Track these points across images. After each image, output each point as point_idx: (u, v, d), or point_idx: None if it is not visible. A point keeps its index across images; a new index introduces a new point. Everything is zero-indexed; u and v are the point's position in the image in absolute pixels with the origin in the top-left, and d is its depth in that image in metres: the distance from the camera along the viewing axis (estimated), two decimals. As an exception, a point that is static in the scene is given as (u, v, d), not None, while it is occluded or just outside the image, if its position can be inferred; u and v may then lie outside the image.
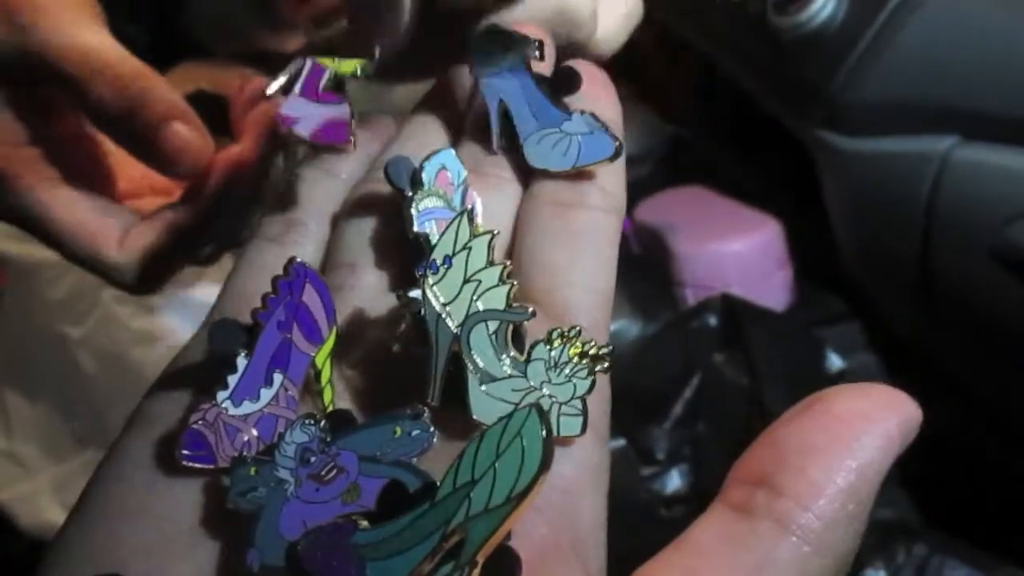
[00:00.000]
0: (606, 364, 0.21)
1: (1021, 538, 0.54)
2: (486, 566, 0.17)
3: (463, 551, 0.17)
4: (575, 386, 0.21)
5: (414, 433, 0.20)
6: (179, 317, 0.71)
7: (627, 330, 0.67)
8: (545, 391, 0.21)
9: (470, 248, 0.22)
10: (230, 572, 0.20)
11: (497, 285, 0.21)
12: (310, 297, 0.22)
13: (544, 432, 0.17)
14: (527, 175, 0.26)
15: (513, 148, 0.26)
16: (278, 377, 0.22)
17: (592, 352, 0.21)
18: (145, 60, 0.32)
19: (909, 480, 0.59)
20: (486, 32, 0.27)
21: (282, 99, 0.27)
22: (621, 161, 0.25)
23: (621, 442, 0.60)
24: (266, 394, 0.22)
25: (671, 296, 0.71)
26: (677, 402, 0.62)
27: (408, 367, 0.22)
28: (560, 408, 0.21)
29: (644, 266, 0.73)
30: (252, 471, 0.20)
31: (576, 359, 0.21)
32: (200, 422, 0.21)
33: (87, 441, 0.73)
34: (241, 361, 0.22)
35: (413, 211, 0.24)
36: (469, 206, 0.24)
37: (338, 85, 0.27)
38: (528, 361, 0.21)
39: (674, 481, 0.60)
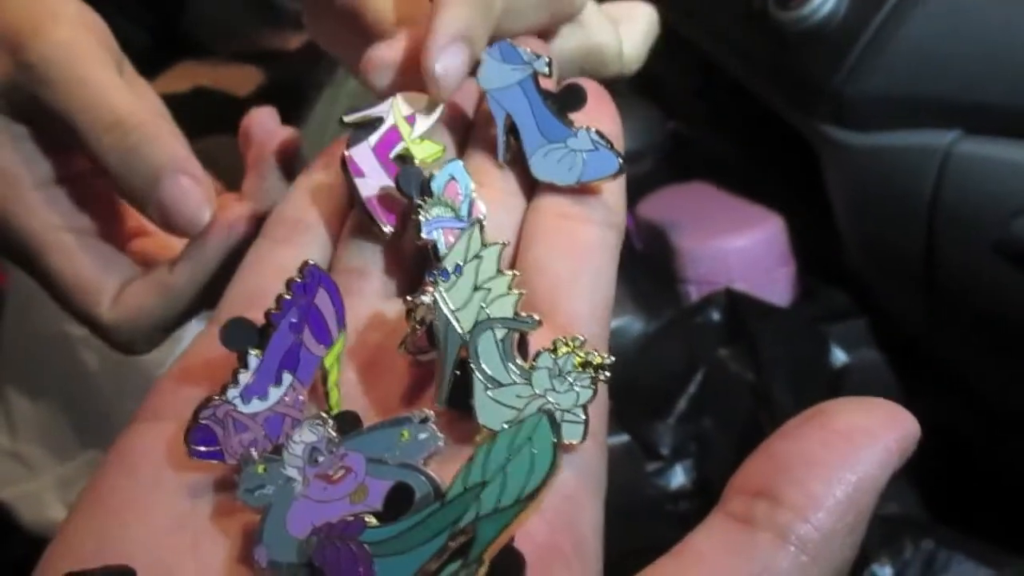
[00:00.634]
0: (607, 374, 0.22)
1: (1028, 533, 0.54)
2: (493, 565, 0.18)
3: (471, 550, 0.18)
4: (578, 394, 0.21)
5: (421, 437, 0.20)
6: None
7: (630, 327, 0.67)
8: (549, 398, 0.21)
9: (481, 257, 0.22)
10: (236, 567, 0.20)
11: (506, 294, 0.22)
12: (321, 299, 0.23)
13: (555, 437, 0.18)
14: (532, 188, 0.27)
15: (519, 161, 0.27)
16: (287, 377, 0.22)
17: (595, 362, 0.21)
18: (145, 60, 0.32)
19: (916, 475, 0.59)
20: (495, 47, 0.27)
21: (350, 133, 0.27)
22: (622, 179, 0.26)
23: (625, 438, 0.60)
24: (275, 393, 0.22)
25: (674, 293, 0.71)
26: (681, 398, 0.62)
27: (414, 371, 0.23)
28: (563, 415, 0.21)
29: (647, 263, 0.72)
30: (261, 469, 0.20)
31: (579, 368, 0.21)
32: (210, 417, 0.22)
33: (91, 440, 0.73)
34: (253, 360, 0.22)
35: (422, 219, 0.25)
36: (476, 216, 0.25)
37: (401, 158, 0.27)
38: (533, 369, 0.22)
39: (679, 477, 0.60)
